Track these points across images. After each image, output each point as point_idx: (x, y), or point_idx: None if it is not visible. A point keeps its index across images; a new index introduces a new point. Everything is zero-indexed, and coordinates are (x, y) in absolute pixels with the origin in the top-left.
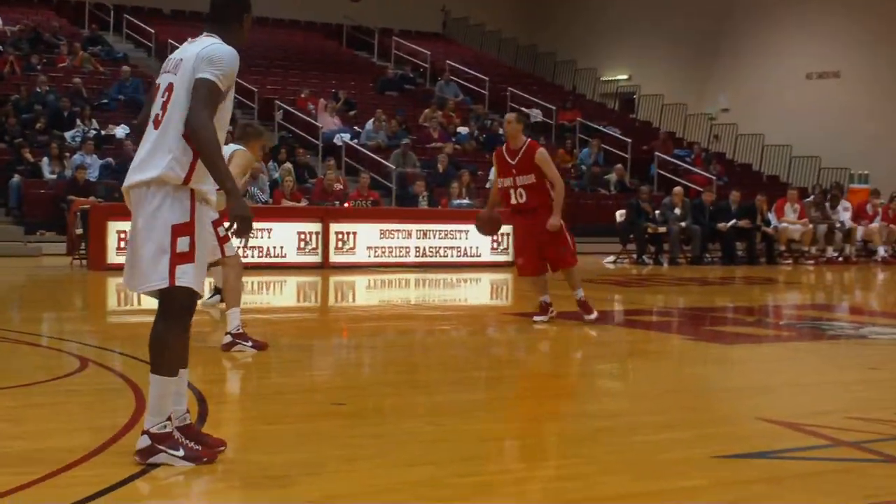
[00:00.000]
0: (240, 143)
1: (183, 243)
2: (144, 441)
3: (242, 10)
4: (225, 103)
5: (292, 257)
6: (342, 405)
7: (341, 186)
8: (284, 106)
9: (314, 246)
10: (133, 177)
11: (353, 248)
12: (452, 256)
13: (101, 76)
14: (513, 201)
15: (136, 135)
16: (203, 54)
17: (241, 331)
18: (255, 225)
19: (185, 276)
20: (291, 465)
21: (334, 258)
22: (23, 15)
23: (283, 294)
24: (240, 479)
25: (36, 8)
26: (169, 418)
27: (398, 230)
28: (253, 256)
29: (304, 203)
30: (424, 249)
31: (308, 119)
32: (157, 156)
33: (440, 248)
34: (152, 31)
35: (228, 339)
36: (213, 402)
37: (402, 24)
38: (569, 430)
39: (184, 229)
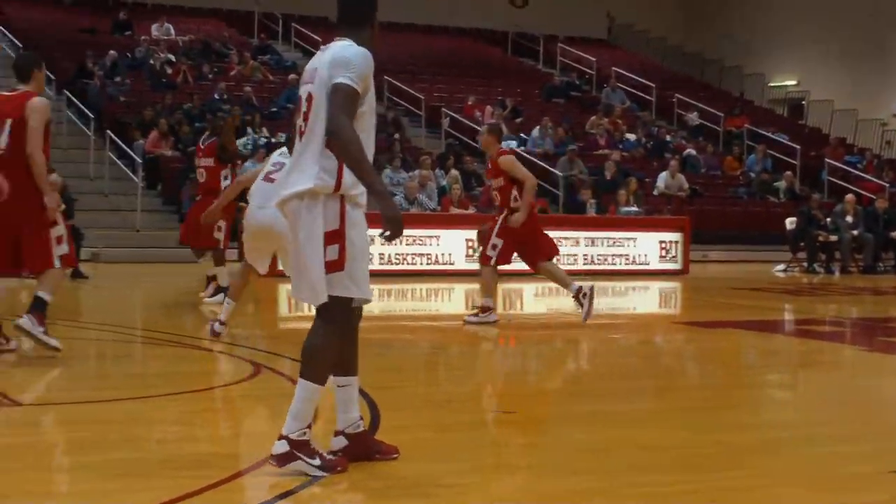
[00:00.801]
0: None
1: (332, 251)
2: (282, 446)
3: (373, 10)
4: (366, 106)
5: (460, 264)
6: (512, 413)
7: None
8: (451, 113)
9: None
10: (284, 191)
11: None
12: (620, 264)
13: (270, 84)
14: (494, 202)
15: (290, 149)
16: (336, 58)
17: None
18: (424, 232)
19: (335, 284)
20: (461, 473)
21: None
22: (194, 25)
23: (452, 301)
24: (410, 486)
25: (206, 18)
26: (309, 426)
27: (566, 238)
28: (421, 263)
29: (471, 210)
30: (592, 257)
31: (475, 126)
32: (304, 168)
33: (608, 255)
34: (319, 38)
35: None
36: (384, 409)
37: (567, 30)
38: (741, 440)
39: (333, 237)
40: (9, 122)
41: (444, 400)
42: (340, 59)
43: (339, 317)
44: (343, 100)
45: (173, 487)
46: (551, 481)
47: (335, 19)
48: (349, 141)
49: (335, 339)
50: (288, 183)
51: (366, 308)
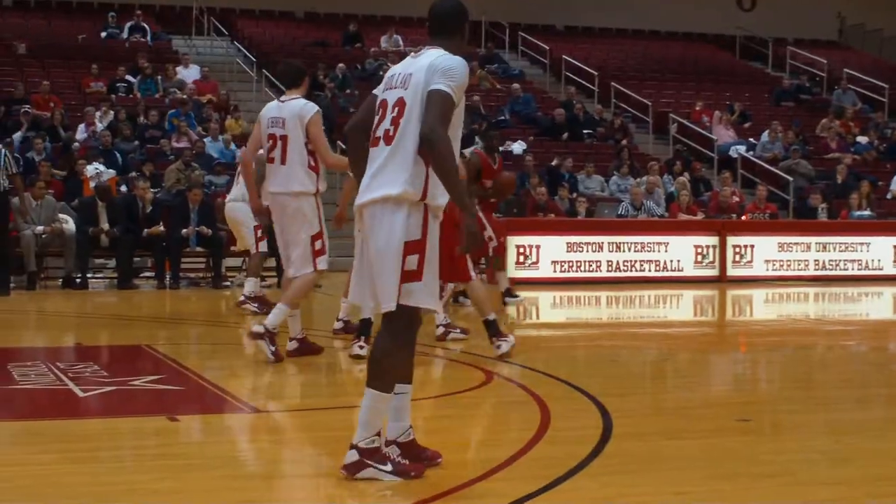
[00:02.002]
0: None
1: (411, 261)
2: (353, 455)
3: (464, 20)
4: (456, 117)
5: (689, 271)
6: (747, 421)
7: (738, 199)
8: (679, 119)
9: (711, 259)
10: (368, 194)
11: (751, 261)
12: (853, 269)
13: (497, 93)
14: None
15: (350, 145)
16: (435, 65)
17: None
18: (652, 238)
19: (411, 294)
20: (697, 482)
21: (731, 272)
22: (423, 36)
23: (680, 308)
24: (647, 494)
25: None
26: (378, 433)
27: (796, 243)
28: (650, 270)
29: (700, 216)
30: (824, 262)
31: (703, 132)
32: (392, 173)
33: (840, 260)
34: (547, 47)
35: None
36: (616, 415)
37: (797, 32)
38: None
39: (414, 247)
40: None
41: (677, 407)
42: (440, 66)
43: (408, 326)
44: (440, 107)
45: (407, 494)
46: (795, 490)
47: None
48: (444, 153)
49: (405, 348)
50: (371, 187)
51: (595, 315)
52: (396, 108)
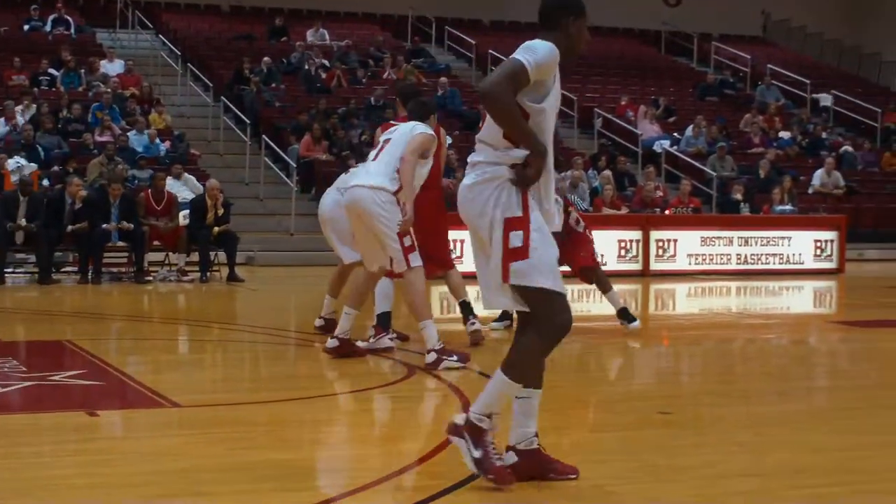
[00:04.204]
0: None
1: (516, 238)
2: (461, 419)
3: (567, 14)
4: (546, 103)
5: (612, 265)
6: (668, 414)
7: (661, 194)
8: (604, 113)
9: (634, 254)
10: (465, 178)
11: (674, 255)
12: (774, 264)
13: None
14: None
15: None
16: (522, 45)
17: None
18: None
19: (519, 274)
20: (618, 475)
21: (655, 266)
22: (349, 30)
23: (603, 302)
24: (569, 487)
25: (361, 23)
26: (489, 416)
27: (719, 237)
28: None
29: (624, 211)
30: (746, 256)
31: (627, 126)
32: (481, 154)
33: (762, 255)
34: (473, 42)
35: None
36: (539, 410)
37: (722, 28)
38: None
39: (517, 223)
40: None
41: (599, 400)
42: (525, 45)
43: (542, 312)
44: (509, 71)
45: (326, 488)
46: (714, 483)
47: (490, 21)
48: (500, 103)
49: (538, 339)
50: (469, 168)
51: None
52: None
